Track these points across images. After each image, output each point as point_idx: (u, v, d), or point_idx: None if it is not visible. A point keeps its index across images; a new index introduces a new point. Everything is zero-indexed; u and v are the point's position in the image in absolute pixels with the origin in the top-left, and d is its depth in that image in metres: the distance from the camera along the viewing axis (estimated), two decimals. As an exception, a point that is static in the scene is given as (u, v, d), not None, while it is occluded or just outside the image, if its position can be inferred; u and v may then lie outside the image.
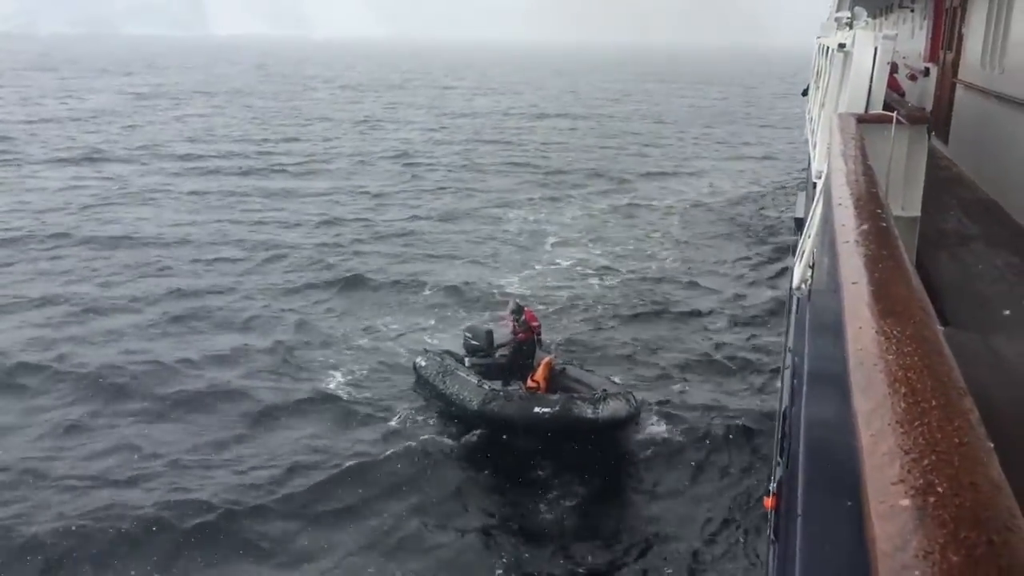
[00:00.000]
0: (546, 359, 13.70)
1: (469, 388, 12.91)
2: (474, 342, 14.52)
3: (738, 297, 20.39)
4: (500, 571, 9.93)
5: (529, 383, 13.50)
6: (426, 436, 13.00)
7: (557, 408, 11.85)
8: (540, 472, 12.00)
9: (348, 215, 29.82)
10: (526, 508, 11.31)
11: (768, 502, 6.44)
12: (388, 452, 12.53)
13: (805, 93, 21.79)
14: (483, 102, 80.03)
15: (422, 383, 14.27)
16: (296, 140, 49.15)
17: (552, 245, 25.57)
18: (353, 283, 21.44)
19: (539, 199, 33.13)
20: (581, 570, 9.99)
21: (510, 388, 13.52)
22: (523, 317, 14.16)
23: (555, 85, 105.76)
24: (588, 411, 11.67)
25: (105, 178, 35.87)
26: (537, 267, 23.00)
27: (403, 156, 43.66)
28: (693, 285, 21.45)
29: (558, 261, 23.67)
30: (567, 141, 51.40)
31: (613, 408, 11.69)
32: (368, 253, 24.56)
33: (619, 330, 17.88)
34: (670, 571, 10.02)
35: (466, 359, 14.41)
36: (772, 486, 6.36)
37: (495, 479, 12.10)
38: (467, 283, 21.42)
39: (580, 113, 70.40)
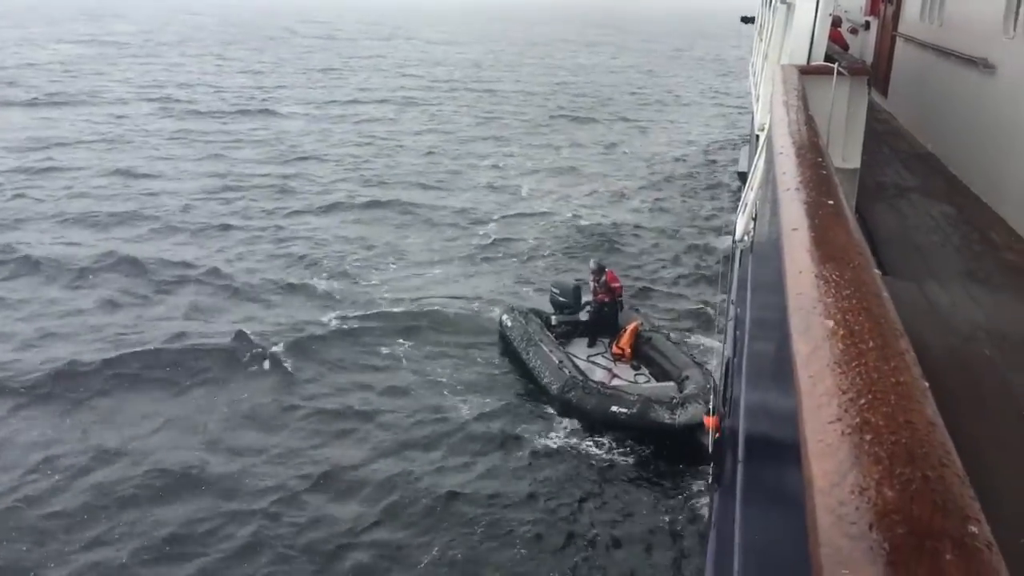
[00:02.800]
0: (634, 324, 13.59)
1: (551, 369, 12.65)
2: (561, 298, 14.49)
3: (692, 248, 20.59)
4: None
5: (615, 348, 13.49)
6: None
7: (634, 411, 11.61)
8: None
9: (324, 158, 29.80)
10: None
11: (709, 420, 6.79)
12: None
13: (745, 20, 21.75)
14: (454, 55, 79.07)
15: (506, 342, 14.12)
16: (282, 87, 48.88)
17: (527, 192, 25.85)
18: (328, 226, 21.43)
19: (514, 146, 33.38)
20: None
21: (594, 356, 13.61)
22: (604, 278, 13.96)
23: (522, 39, 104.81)
24: (665, 416, 11.42)
25: (108, 119, 35.43)
26: (512, 213, 23.23)
27: (386, 101, 44.00)
28: (652, 233, 21.81)
29: (535, 207, 23.89)
30: (539, 91, 51.44)
31: (691, 414, 11.34)
32: (345, 195, 24.43)
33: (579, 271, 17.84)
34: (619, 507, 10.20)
35: (553, 316, 14.39)
36: (713, 407, 6.74)
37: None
38: (446, 226, 21.62)
39: (550, 64, 70.17)
